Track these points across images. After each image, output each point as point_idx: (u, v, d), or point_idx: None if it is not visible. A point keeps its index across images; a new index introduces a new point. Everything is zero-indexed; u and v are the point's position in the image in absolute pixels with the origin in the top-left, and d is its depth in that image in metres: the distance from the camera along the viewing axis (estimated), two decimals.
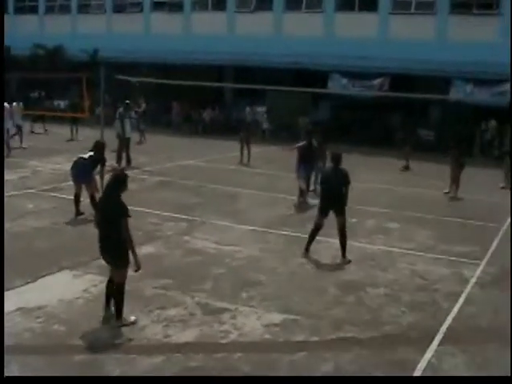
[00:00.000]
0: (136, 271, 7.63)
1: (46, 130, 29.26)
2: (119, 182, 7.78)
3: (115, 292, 7.70)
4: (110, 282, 7.83)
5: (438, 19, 30.22)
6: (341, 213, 10.86)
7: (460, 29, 28.95)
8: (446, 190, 17.67)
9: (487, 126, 28.88)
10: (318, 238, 11.10)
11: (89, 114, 24.91)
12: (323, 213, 11.00)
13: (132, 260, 7.60)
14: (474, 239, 12.76)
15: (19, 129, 24.09)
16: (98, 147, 13.15)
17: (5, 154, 21.00)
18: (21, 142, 23.66)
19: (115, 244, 7.53)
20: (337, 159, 11.01)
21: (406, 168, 22.39)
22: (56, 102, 37.30)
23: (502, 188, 19.02)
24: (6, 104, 22.89)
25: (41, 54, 38.09)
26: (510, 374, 5.55)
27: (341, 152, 11.14)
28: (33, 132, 27.97)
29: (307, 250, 11.04)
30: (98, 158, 13.02)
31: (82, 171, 12.90)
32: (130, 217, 7.63)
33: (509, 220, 14.28)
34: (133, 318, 7.87)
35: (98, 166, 13.11)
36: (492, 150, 28.03)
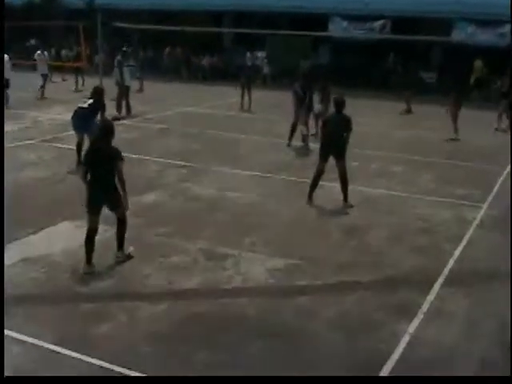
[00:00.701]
0: (126, 210, 8.06)
1: (64, 80, 29.01)
2: (107, 131, 7.95)
3: (118, 223, 8.12)
4: (91, 233, 7.93)
5: None
6: (341, 158, 10.81)
7: None
8: (453, 137, 17.50)
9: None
10: (320, 182, 11.06)
11: (87, 63, 24.72)
12: (324, 158, 10.93)
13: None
14: (475, 182, 12.74)
15: (44, 78, 24.05)
16: (97, 93, 13.05)
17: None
18: (42, 92, 23.78)
19: (112, 188, 7.88)
20: (340, 104, 10.87)
21: (408, 111, 22.26)
22: (54, 51, 36.89)
23: (496, 130, 18.96)
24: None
25: (36, 1, 37.50)
26: (510, 374, 5.60)
27: (344, 97, 11.00)
28: (52, 81, 27.65)
29: (310, 197, 10.97)
30: (98, 106, 12.92)
31: (83, 120, 12.80)
32: (123, 160, 7.89)
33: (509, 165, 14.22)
34: (131, 249, 8.26)
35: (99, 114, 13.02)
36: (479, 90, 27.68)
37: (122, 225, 8.14)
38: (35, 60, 24.97)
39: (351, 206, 10.75)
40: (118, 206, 8.01)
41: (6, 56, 22.23)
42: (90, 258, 7.81)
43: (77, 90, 26.01)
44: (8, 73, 21.76)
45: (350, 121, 10.78)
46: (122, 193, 7.92)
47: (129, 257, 8.21)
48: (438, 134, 17.77)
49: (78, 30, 22.58)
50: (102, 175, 7.84)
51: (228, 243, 8.86)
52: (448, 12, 27.64)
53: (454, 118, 17.50)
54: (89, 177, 7.90)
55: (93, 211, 7.92)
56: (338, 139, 10.79)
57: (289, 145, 15.49)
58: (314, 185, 11.02)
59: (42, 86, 23.77)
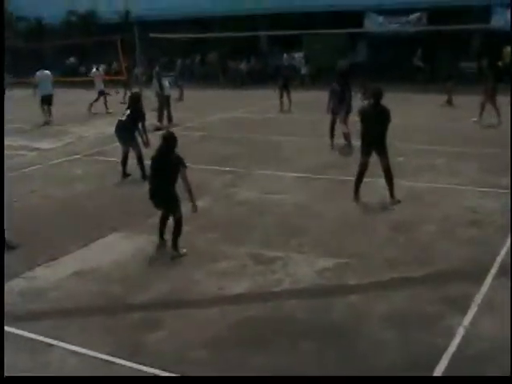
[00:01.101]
0: (194, 211, 8.75)
1: (117, 93, 29.21)
2: (168, 142, 8.67)
3: (174, 226, 8.64)
4: (163, 219, 8.94)
5: None
6: (383, 152, 10.64)
7: None
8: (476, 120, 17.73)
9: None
10: (364, 179, 10.98)
11: (127, 76, 25.04)
12: (366, 153, 10.75)
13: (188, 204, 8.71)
14: None
15: (102, 94, 24.23)
16: (134, 100, 13.17)
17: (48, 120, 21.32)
18: (106, 107, 23.87)
19: (171, 193, 8.60)
20: (378, 95, 10.65)
21: (449, 103, 21.99)
22: (94, 67, 37.47)
23: None
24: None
25: (74, 20, 38.16)
26: (510, 374, 5.50)
27: (381, 88, 10.85)
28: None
29: (356, 193, 10.87)
30: (136, 114, 12.99)
31: (124, 131, 12.96)
32: (186, 167, 8.62)
33: None
34: (184, 250, 8.65)
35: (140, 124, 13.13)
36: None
37: (177, 227, 8.63)
38: (91, 77, 25.19)
39: (398, 202, 10.63)
40: (175, 210, 8.61)
41: (48, 72, 22.63)
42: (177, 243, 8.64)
43: (124, 102, 26.26)
44: (50, 89, 22.16)
45: (388, 112, 10.59)
46: (189, 196, 8.64)
47: (182, 255, 8.59)
48: (478, 123, 17.54)
49: (116, 45, 22.95)
50: (164, 182, 8.58)
51: (276, 246, 8.87)
52: None
53: (493, 103, 17.59)
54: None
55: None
56: (378, 131, 10.58)
57: (332, 146, 15.33)
58: (358, 181, 10.89)
59: (96, 101, 24.03)
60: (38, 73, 22.72)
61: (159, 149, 8.76)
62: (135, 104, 13.08)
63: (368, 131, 10.65)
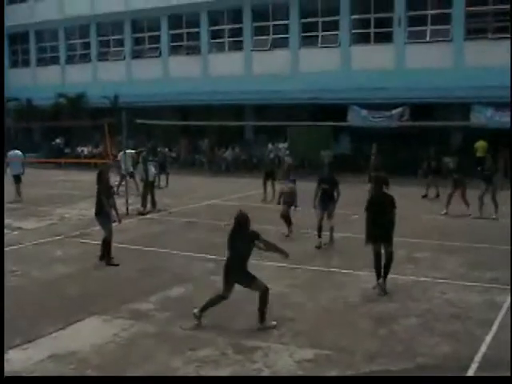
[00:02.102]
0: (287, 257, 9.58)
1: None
2: (241, 223, 9.35)
3: (261, 298, 9.11)
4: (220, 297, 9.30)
5: (454, 46, 30.40)
6: (388, 241, 10.68)
7: (476, 54, 29.07)
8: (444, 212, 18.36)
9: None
10: (344, 271, 11.02)
11: (113, 159, 25.18)
12: (373, 240, 10.72)
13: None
14: (502, 264, 12.58)
15: (131, 175, 22.97)
16: (99, 176, 13.03)
17: None
18: (137, 188, 22.44)
19: (245, 264, 9.30)
20: (382, 182, 10.86)
21: (436, 196, 22.41)
22: (80, 149, 37.87)
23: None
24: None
25: (63, 102, 38.81)
26: (510, 374, 5.45)
27: (386, 175, 10.99)
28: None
29: (379, 282, 10.76)
30: (101, 192, 12.87)
31: (101, 215, 12.94)
32: (260, 238, 9.36)
33: None
34: (274, 323, 9.10)
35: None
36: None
37: (262, 300, 9.08)
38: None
39: (385, 292, 10.67)
40: (251, 284, 9.19)
41: (19, 152, 22.64)
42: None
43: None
44: (20, 169, 22.11)
45: (393, 199, 10.70)
46: (278, 252, 9.62)
47: (271, 327, 9.04)
48: (460, 217, 17.80)
49: (103, 128, 23.21)
50: (238, 259, 9.27)
51: (256, 335, 8.80)
52: (465, 97, 28.05)
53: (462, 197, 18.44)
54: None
55: (227, 285, 9.28)
56: (384, 219, 10.64)
57: (319, 247, 14.61)
58: (378, 269, 10.78)
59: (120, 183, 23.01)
60: (9, 153, 22.85)
61: (232, 229, 9.40)
62: (99, 179, 12.96)
63: (374, 219, 10.70)
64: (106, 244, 12.85)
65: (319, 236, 14.61)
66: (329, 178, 14.99)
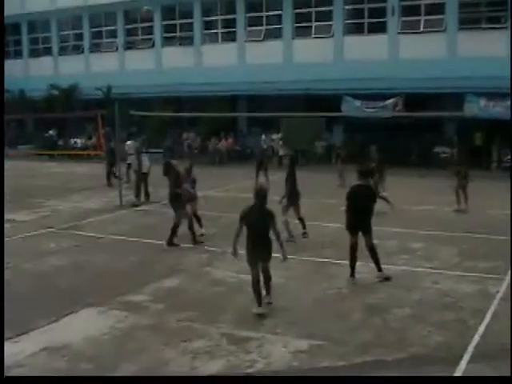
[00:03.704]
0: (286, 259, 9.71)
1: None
2: (263, 196, 9.47)
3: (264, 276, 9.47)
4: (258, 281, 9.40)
5: (448, 36, 30.38)
6: (368, 232, 10.69)
7: (470, 44, 29.06)
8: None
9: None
10: (337, 261, 11.02)
11: (104, 151, 25.14)
12: (353, 232, 10.73)
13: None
14: (495, 254, 12.61)
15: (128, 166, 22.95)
16: (166, 168, 14.59)
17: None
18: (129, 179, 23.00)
19: (269, 243, 9.44)
20: (366, 173, 10.83)
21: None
22: (73, 141, 37.77)
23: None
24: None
25: (56, 94, 38.70)
26: (510, 374, 5.46)
27: (370, 166, 10.97)
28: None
29: (352, 274, 10.79)
30: (172, 182, 13.85)
31: None
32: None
33: None
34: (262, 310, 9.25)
35: None
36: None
37: (266, 275, 9.47)
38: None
39: (387, 279, 10.75)
40: (269, 260, 9.47)
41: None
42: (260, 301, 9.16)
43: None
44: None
45: (374, 192, 10.68)
46: (281, 248, 9.60)
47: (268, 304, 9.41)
48: (453, 207, 17.81)
49: (96, 119, 23.17)
50: (259, 232, 9.33)
51: (250, 326, 8.80)
52: (458, 87, 28.05)
53: (463, 192, 17.86)
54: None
55: (252, 264, 9.42)
56: (365, 211, 10.65)
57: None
58: (352, 261, 10.80)
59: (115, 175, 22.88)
60: None
61: (251, 206, 9.45)
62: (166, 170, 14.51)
63: (354, 210, 10.69)
64: (174, 227, 13.57)
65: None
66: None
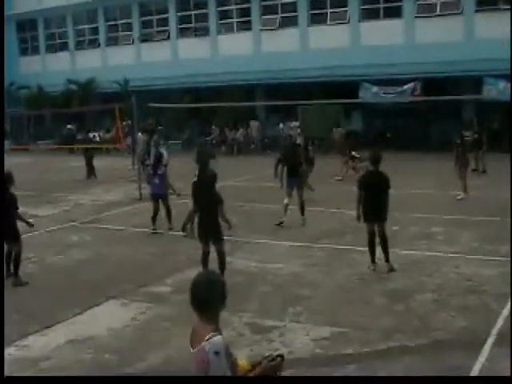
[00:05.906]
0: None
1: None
2: (214, 179, 10.29)
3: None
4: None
5: (465, 18, 30.05)
6: (382, 219, 10.62)
7: (487, 26, 28.69)
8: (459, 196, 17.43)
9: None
10: (359, 248, 11.00)
11: (124, 144, 25.21)
12: (369, 220, 10.66)
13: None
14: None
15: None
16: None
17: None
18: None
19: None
20: (377, 160, 10.66)
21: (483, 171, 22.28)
22: (91, 134, 37.90)
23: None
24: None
25: (74, 88, 38.90)
26: (510, 374, 5.44)
27: (380, 152, 10.87)
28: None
29: (373, 261, 10.74)
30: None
31: None
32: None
33: None
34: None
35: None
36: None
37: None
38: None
39: (393, 270, 10.62)
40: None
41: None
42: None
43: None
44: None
45: (387, 179, 10.58)
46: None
47: None
48: (474, 191, 17.67)
49: (114, 113, 23.21)
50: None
51: (273, 315, 8.83)
52: (477, 70, 27.77)
53: (461, 178, 17.51)
54: None
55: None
56: (377, 199, 10.56)
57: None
58: (371, 249, 10.77)
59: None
60: None
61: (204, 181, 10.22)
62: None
63: (367, 197, 10.59)
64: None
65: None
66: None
